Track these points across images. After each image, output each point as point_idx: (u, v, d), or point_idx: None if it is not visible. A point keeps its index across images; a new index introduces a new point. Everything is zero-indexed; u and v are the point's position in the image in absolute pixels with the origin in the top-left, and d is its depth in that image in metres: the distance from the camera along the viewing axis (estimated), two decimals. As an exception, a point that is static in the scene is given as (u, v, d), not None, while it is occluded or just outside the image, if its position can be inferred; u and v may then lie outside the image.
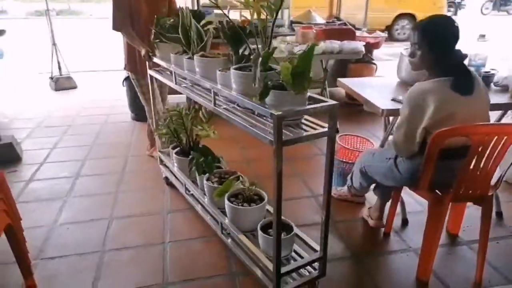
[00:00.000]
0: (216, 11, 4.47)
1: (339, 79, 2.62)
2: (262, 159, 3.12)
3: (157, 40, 2.31)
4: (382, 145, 2.38)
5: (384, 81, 2.61)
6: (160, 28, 2.24)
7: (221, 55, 1.86)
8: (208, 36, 2.00)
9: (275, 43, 3.87)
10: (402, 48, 2.64)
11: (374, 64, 4.55)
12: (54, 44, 5.46)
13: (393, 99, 2.10)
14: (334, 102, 1.45)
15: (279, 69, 1.37)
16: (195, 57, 1.88)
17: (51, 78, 5.42)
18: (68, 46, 7.24)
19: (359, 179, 2.18)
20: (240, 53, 1.71)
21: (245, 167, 3.01)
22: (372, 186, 2.22)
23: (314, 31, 3.67)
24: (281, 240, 1.50)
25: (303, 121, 1.53)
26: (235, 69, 1.57)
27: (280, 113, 1.27)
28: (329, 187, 1.58)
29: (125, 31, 2.63)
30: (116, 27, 2.61)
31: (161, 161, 2.77)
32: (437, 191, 1.76)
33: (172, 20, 2.22)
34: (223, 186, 1.95)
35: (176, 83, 2.21)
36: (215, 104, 1.77)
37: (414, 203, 2.44)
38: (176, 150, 2.52)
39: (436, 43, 1.66)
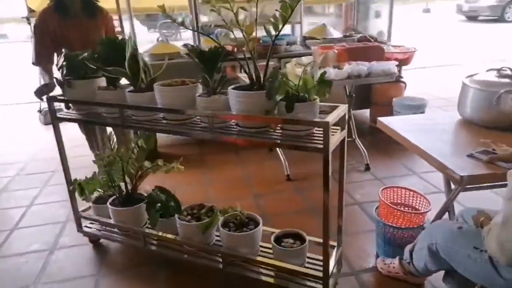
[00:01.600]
0: (218, 29, 3.99)
1: (380, 119, 2.03)
2: (267, 194, 2.57)
3: (69, 78, 1.94)
4: (446, 209, 1.76)
5: (437, 120, 2.01)
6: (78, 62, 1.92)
7: (178, 83, 1.75)
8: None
9: (288, 66, 3.29)
10: (464, 76, 2.01)
11: (403, 82, 3.95)
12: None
13: (470, 155, 1.49)
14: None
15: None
16: (160, 87, 1.70)
17: (40, 111, 4.91)
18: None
19: (424, 259, 1.58)
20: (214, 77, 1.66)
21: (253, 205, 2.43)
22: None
23: (335, 50, 3.08)
24: None
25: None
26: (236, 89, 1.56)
27: (328, 121, 1.37)
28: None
29: (44, 66, 2.53)
30: (37, 61, 2.52)
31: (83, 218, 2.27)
32: None
33: (86, 54, 1.91)
34: (211, 219, 1.89)
35: (123, 123, 1.84)
36: (213, 131, 1.64)
37: None
38: (111, 201, 2.13)
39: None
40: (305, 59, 3.31)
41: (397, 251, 1.92)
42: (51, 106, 1.98)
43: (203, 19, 3.87)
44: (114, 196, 2.16)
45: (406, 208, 2.09)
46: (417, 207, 2.08)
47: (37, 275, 2.08)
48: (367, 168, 3.15)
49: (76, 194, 2.13)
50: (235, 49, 3.90)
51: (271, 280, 1.81)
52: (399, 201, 2.13)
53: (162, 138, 3.88)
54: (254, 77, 1.57)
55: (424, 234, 1.60)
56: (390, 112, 3.74)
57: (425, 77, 6.50)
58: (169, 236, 2.00)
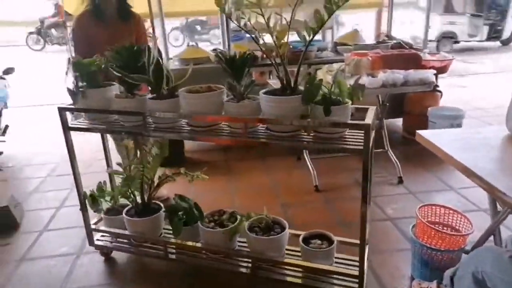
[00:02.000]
0: (248, 35, 3.94)
1: (419, 132, 1.90)
2: (294, 204, 2.50)
3: (82, 88, 1.88)
4: (491, 233, 1.63)
5: (483, 134, 1.86)
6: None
7: (204, 89, 1.76)
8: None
9: (320, 74, 3.20)
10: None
11: (439, 91, 3.77)
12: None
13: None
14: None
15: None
16: (186, 94, 1.71)
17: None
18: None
19: (467, 287, 1.46)
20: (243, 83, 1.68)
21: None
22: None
23: (369, 57, 2.97)
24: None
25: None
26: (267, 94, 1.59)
27: (369, 122, 1.44)
28: None
29: None
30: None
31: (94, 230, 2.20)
32: None
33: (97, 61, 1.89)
34: (238, 224, 1.90)
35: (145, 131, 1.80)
36: (247, 136, 1.64)
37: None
38: (126, 212, 2.09)
39: None
40: (336, 66, 3.22)
41: (435, 274, 1.80)
42: (62, 116, 1.91)
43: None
44: (129, 206, 2.12)
45: (445, 228, 1.96)
46: (457, 227, 1.94)
47: (63, 279, 2.09)
48: (400, 181, 3.01)
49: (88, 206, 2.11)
50: (265, 55, 3.86)
51: (298, 280, 1.83)
52: (437, 220, 2.01)
53: (188, 143, 3.88)
54: (285, 82, 1.59)
55: (468, 259, 1.48)
56: (424, 122, 3.57)
57: (461, 85, 6.24)
58: (193, 244, 1.98)
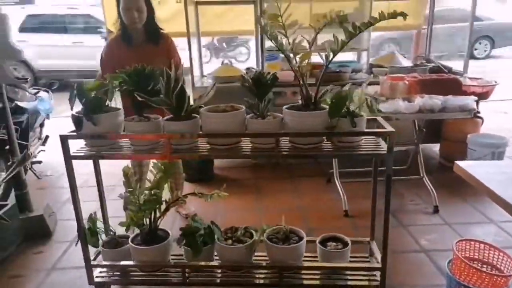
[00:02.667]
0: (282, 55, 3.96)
1: (458, 163, 1.81)
2: (322, 229, 2.41)
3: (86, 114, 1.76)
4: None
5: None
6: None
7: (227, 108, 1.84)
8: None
9: (356, 92, 3.15)
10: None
11: (480, 118, 3.61)
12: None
13: None
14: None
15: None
16: (213, 114, 1.79)
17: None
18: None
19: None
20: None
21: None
22: None
23: (406, 82, 2.89)
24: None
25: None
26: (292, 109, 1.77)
27: (393, 129, 1.71)
28: None
29: None
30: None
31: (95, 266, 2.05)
32: None
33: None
34: (258, 237, 1.98)
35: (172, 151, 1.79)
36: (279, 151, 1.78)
37: None
38: (132, 240, 2.02)
39: None
40: (370, 89, 3.16)
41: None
42: (65, 145, 1.80)
43: (268, 43, 3.87)
44: (134, 235, 2.06)
45: (485, 266, 1.83)
46: (499, 266, 1.81)
47: (90, 292, 2.11)
48: (436, 210, 2.87)
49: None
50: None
51: (317, 282, 1.98)
52: (476, 256, 1.88)
53: (217, 160, 3.89)
54: (307, 99, 1.77)
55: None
56: (463, 149, 3.41)
57: (503, 111, 5.95)
58: (213, 263, 2.01)
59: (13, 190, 2.67)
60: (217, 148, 1.80)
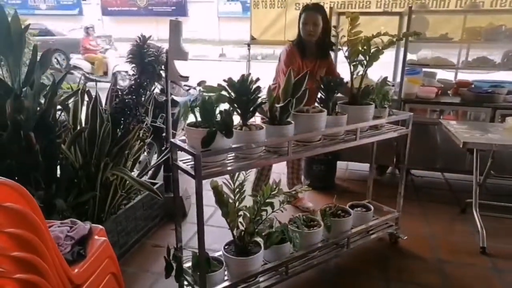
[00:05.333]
0: (426, 69, 3.71)
1: None
2: (453, 262, 2.15)
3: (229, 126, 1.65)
4: None
5: None
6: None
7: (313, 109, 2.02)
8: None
9: (509, 121, 2.79)
10: None
11: None
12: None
13: None
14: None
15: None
16: (318, 114, 1.96)
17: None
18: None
19: None
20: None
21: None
22: None
23: None
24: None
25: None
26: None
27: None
28: None
29: None
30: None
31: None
32: None
33: None
34: (328, 216, 2.29)
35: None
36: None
37: None
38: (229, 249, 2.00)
39: None
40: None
41: None
42: (198, 164, 1.55)
43: (410, 57, 3.68)
44: (227, 245, 2.02)
45: None
46: None
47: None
48: None
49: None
50: (440, 91, 3.57)
51: None
52: None
53: (340, 170, 3.86)
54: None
55: None
56: None
57: None
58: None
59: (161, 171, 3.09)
60: (307, 146, 1.97)
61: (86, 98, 2.45)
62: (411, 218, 3.04)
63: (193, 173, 1.60)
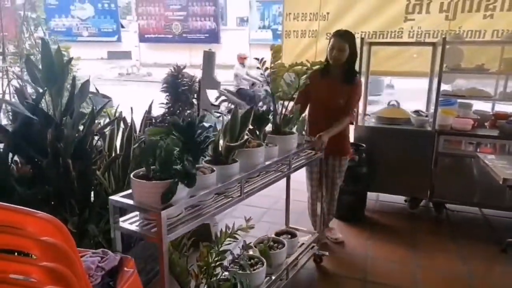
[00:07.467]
0: (461, 100, 3.62)
1: None
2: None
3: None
4: None
5: None
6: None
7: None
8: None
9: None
10: None
11: None
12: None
13: None
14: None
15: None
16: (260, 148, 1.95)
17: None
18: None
19: None
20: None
21: None
22: None
23: None
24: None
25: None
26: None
27: None
28: None
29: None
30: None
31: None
32: None
33: None
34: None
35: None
36: None
37: None
38: None
39: None
40: None
41: None
42: (163, 225, 1.39)
43: (445, 87, 3.60)
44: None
45: None
46: None
47: None
48: None
49: None
50: (476, 123, 3.44)
51: None
52: None
53: (371, 202, 3.75)
54: None
55: None
56: None
57: None
58: None
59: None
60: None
61: (122, 125, 2.54)
62: (445, 255, 2.89)
63: (152, 235, 1.42)
